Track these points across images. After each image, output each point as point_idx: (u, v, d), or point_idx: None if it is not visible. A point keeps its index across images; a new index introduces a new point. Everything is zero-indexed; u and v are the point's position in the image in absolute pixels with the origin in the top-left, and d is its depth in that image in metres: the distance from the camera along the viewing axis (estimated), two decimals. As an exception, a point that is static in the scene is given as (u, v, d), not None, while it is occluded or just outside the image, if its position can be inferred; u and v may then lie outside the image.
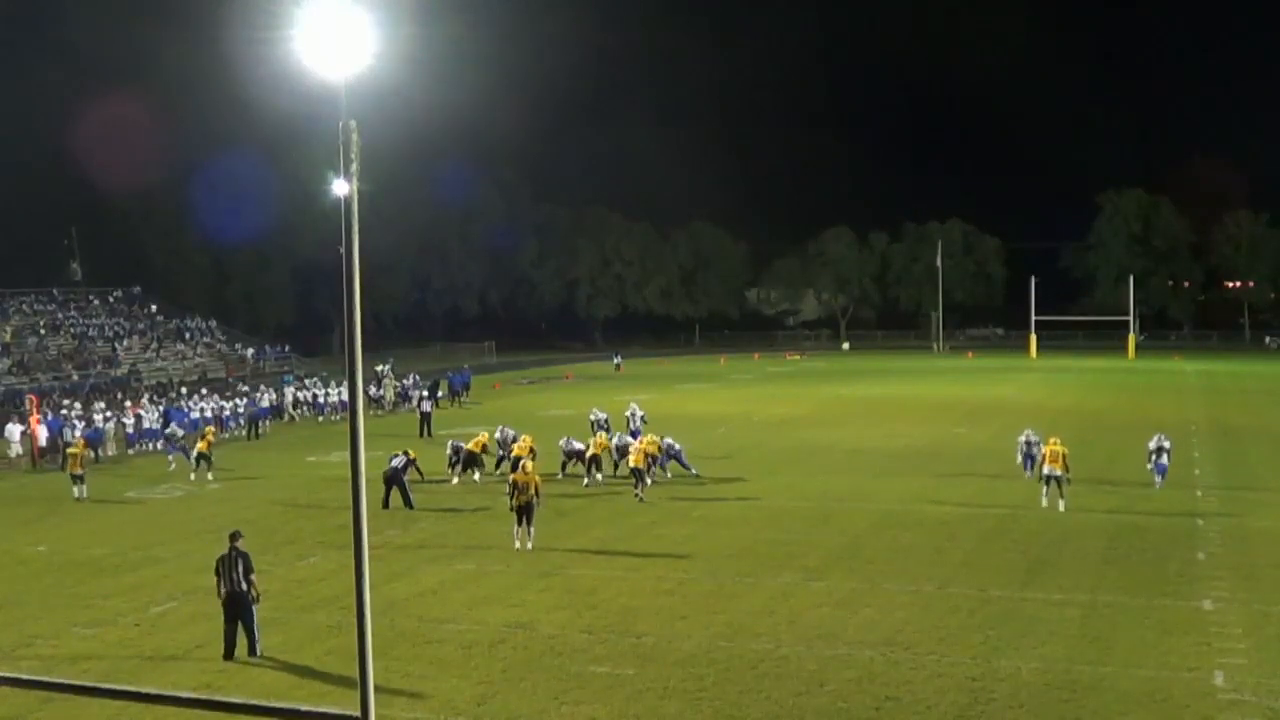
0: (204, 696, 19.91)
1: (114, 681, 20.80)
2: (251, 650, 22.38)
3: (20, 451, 49.39)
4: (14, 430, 49.96)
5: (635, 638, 23.09)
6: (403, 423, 58.61)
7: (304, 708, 19.18)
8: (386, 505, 36.44)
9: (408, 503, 36.90)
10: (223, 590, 22.58)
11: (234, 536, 22.98)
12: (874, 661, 21.41)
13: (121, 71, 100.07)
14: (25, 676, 21.03)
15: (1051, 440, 35.83)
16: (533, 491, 30.79)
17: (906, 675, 20.66)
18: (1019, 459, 40.60)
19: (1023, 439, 40.78)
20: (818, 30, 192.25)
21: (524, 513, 30.67)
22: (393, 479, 37.12)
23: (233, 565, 22.53)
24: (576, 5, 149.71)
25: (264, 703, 19.45)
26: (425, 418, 57.03)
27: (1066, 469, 34.58)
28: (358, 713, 17.94)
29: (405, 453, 38.63)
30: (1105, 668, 20.89)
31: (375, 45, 15.61)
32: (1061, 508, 34.12)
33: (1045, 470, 35.04)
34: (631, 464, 38.67)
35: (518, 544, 30.53)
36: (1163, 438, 39.01)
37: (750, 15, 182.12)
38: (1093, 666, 20.95)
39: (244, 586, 22.42)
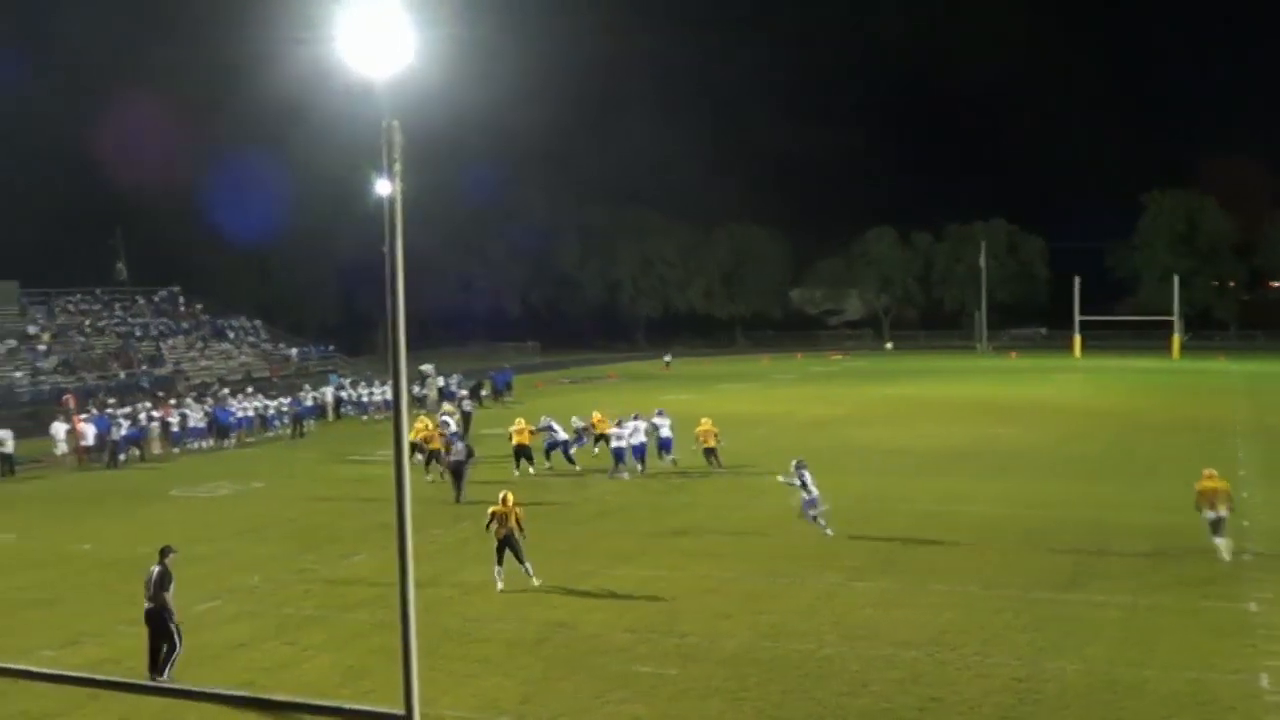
0: (249, 694, 20.03)
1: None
2: (154, 667, 21.33)
3: (66, 450, 49.71)
4: (59, 429, 50.24)
5: (678, 637, 23.06)
6: (445, 422, 58.64)
7: (349, 705, 19.29)
8: (459, 496, 37.77)
9: (457, 496, 37.54)
10: (146, 606, 21.49)
11: (163, 552, 21.90)
12: (918, 662, 21.34)
13: (167, 72, 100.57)
14: (71, 674, 21.21)
15: (1210, 474, 29.22)
16: (514, 522, 27.40)
17: (951, 676, 20.58)
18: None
19: None
20: (861, 30, 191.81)
21: (507, 546, 27.25)
22: (457, 471, 38.15)
23: (152, 580, 21.46)
24: (618, 3, 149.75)
25: (309, 700, 19.56)
26: (466, 417, 57.18)
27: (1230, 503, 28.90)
28: (402, 710, 18.02)
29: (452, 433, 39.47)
30: (1149, 670, 20.75)
31: (416, 45, 15.65)
32: (1226, 554, 28.42)
33: (1210, 515, 28.51)
34: (705, 445, 43.51)
35: (500, 585, 27.01)
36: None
37: (792, 14, 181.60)
38: (1137, 668, 20.82)
39: (155, 603, 21.36)
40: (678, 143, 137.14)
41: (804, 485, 31.80)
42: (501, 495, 28.09)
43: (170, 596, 21.47)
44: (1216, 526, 28.39)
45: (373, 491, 39.40)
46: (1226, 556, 28.12)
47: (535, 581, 27.18)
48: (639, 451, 43.07)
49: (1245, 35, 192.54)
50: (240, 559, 30.72)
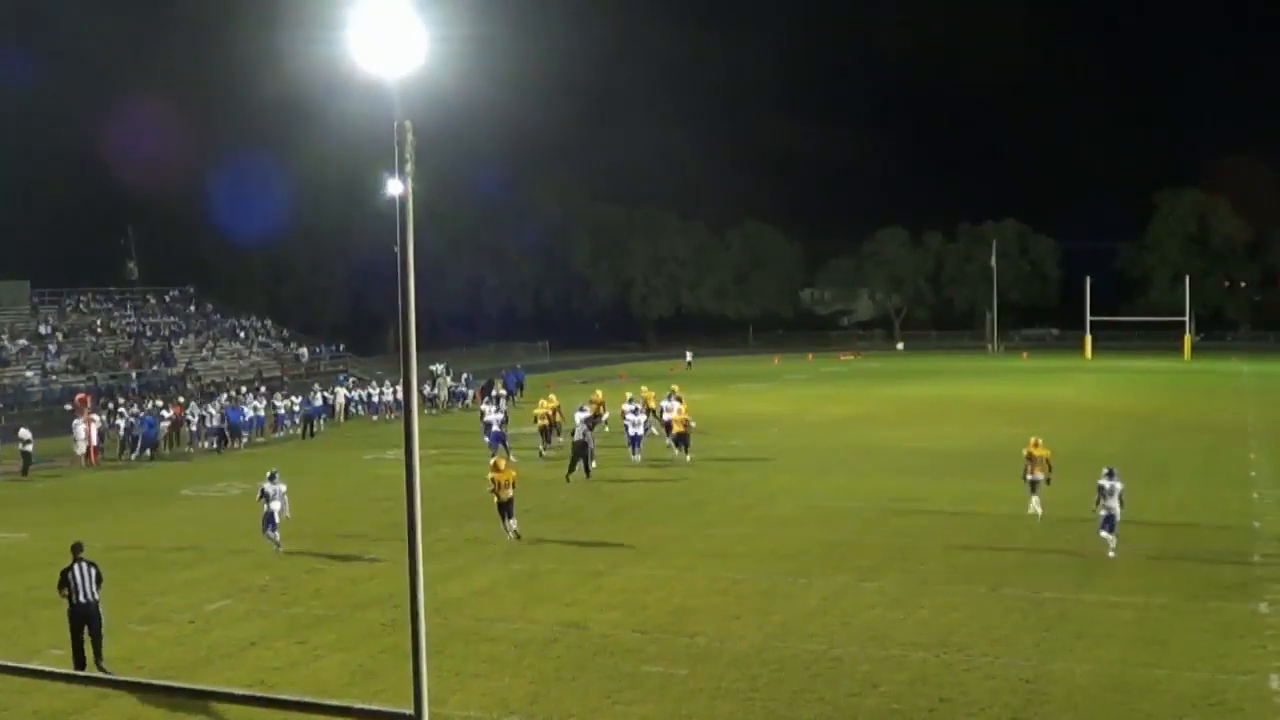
0: (258, 693, 20.03)
1: (168, 678, 20.92)
2: (99, 658, 21.83)
3: (84, 449, 49.81)
4: (79, 428, 50.32)
5: (688, 637, 23.07)
6: (457, 421, 58.73)
7: (357, 705, 19.25)
8: (572, 471, 40.73)
9: (587, 472, 40.67)
10: (71, 602, 21.79)
11: (77, 549, 22.35)
12: (927, 663, 21.33)
13: (177, 72, 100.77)
14: (81, 673, 21.20)
15: (1035, 442, 33.98)
16: (511, 488, 31.57)
17: (960, 677, 20.56)
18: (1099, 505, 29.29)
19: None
20: (872, 31, 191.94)
21: (505, 509, 31.52)
22: (581, 450, 40.66)
23: (85, 577, 21.84)
24: (631, 4, 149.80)
25: (317, 699, 19.55)
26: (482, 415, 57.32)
27: (1050, 471, 33.49)
28: (411, 710, 18.00)
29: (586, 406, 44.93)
30: (1160, 670, 20.73)
31: (429, 44, 15.63)
32: (1039, 510, 33.20)
33: (1031, 477, 33.52)
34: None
35: (510, 536, 31.43)
36: (1115, 477, 29.37)
37: (803, 14, 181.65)
38: (1147, 669, 20.80)
39: (96, 597, 21.84)
40: (690, 142, 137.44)
41: (265, 497, 31.32)
42: (493, 461, 33.08)
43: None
44: (1034, 488, 33.38)
45: (383, 491, 39.44)
46: (1039, 510, 33.09)
47: (513, 537, 31.45)
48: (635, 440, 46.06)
49: (1257, 34, 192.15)
50: (251, 559, 30.72)
